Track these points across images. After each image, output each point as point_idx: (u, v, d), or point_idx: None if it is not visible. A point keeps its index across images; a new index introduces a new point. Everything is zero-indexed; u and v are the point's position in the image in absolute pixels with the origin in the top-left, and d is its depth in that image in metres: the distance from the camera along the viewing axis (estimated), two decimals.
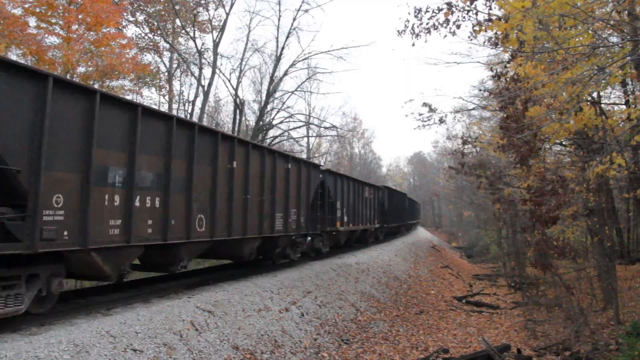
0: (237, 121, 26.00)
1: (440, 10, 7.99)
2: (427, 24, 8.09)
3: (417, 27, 8.16)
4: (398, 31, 8.40)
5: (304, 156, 36.05)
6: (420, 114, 11.64)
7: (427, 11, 8.04)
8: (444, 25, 8.03)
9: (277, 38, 26.70)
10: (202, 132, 8.73)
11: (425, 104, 11.28)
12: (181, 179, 8.04)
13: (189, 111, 26.12)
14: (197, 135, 8.37)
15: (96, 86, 16.37)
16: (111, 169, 6.66)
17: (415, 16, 8.15)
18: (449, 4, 7.87)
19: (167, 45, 24.19)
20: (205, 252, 9.81)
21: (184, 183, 8.09)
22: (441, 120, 11.69)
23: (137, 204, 6.99)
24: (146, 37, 24.05)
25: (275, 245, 11.99)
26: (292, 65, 26.18)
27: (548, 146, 12.85)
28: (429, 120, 11.59)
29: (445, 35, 8.16)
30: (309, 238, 14.35)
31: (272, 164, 11.34)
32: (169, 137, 7.74)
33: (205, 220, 8.63)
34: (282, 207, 11.84)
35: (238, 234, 9.75)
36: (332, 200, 15.77)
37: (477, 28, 7.94)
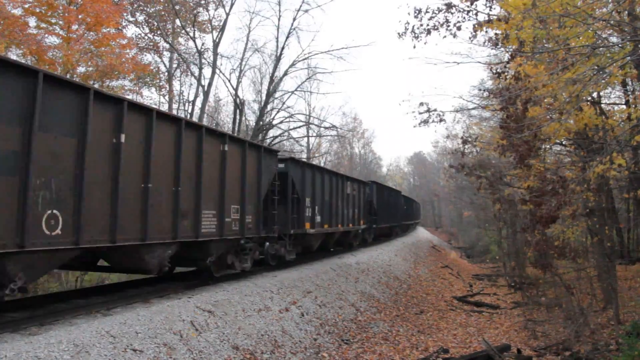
0: (237, 121, 26.00)
1: (440, 10, 7.99)
2: (427, 25, 8.09)
3: (417, 28, 8.15)
4: (399, 34, 8.39)
5: (304, 156, 36.04)
6: (420, 113, 11.62)
7: (427, 12, 8.04)
8: (444, 26, 8.03)
9: (277, 38, 26.71)
10: (55, 86, 5.84)
11: (422, 103, 11.23)
12: (7, 154, 5.31)
13: (189, 111, 26.14)
14: (41, 89, 5.54)
15: (96, 86, 16.42)
16: None
17: (415, 17, 8.15)
18: (449, 5, 7.87)
19: (167, 45, 24.20)
20: (71, 263, 7.40)
21: (14, 161, 5.36)
22: (440, 119, 11.67)
23: None
24: (146, 37, 24.06)
25: (205, 252, 9.08)
26: (292, 65, 26.20)
27: (548, 146, 12.85)
28: (428, 118, 11.57)
29: (445, 36, 8.16)
30: (268, 243, 11.90)
31: (197, 142, 8.50)
32: None
33: (63, 219, 5.93)
34: (215, 202, 9.05)
35: (131, 237, 6.98)
36: (299, 195, 13.08)
37: (477, 26, 7.95)
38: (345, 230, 17.68)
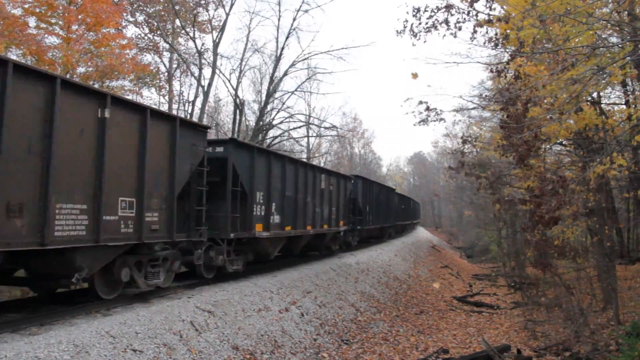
0: (237, 121, 26.00)
1: (439, 9, 7.97)
2: (427, 23, 8.08)
3: (416, 27, 8.14)
4: (397, 31, 8.36)
5: (304, 156, 36.02)
6: (420, 112, 11.60)
7: (425, 10, 8.02)
8: (443, 25, 8.02)
9: (277, 38, 26.68)
10: None
11: (421, 102, 11.19)
12: None
13: (189, 111, 26.13)
14: None
15: (96, 86, 16.45)
16: None
17: (414, 16, 8.13)
18: (449, 6, 7.86)
19: (167, 46, 24.19)
20: None
21: None
22: (440, 118, 11.66)
23: None
24: (146, 38, 24.05)
25: (67, 266, 6.43)
26: (292, 65, 26.18)
27: (548, 146, 12.85)
28: (428, 117, 11.54)
29: (445, 35, 8.15)
30: (199, 251, 9.09)
31: (45, 101, 5.77)
32: None
33: None
34: (85, 192, 6.38)
35: None
36: (245, 189, 10.34)
37: (476, 26, 7.94)
38: (317, 232, 14.72)
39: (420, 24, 8.06)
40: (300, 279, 11.95)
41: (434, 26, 8.01)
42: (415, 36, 8.14)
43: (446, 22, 7.85)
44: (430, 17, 7.97)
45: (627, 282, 13.58)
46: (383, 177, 74.18)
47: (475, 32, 8.11)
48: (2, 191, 5.24)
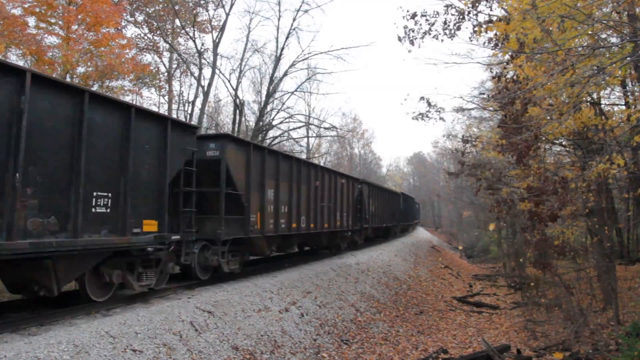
0: (237, 122, 25.98)
1: (437, 14, 7.99)
2: (428, 28, 8.08)
3: (416, 32, 8.16)
4: (399, 37, 8.37)
5: (303, 157, 35.99)
6: (421, 113, 11.62)
7: (423, 15, 8.03)
8: (443, 30, 8.03)
9: (277, 38, 26.67)
10: None
11: (422, 98, 11.26)
12: None
13: (189, 111, 26.12)
14: None
15: (95, 87, 16.42)
16: None
17: (412, 18, 8.13)
18: (448, 6, 7.87)
19: (167, 46, 24.17)
20: None
21: None
22: (440, 117, 11.71)
23: None
24: (146, 38, 24.02)
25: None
26: (292, 65, 26.16)
27: (548, 146, 12.84)
28: (428, 112, 11.57)
29: (442, 40, 8.18)
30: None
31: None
32: None
33: None
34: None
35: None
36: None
37: (478, 28, 7.95)
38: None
39: (420, 28, 8.08)
40: (300, 279, 11.95)
41: (431, 30, 8.03)
42: (412, 43, 8.18)
43: (444, 24, 7.87)
44: (428, 21, 7.99)
45: (627, 283, 13.57)
46: (383, 177, 74.18)
47: (475, 33, 8.12)
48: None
